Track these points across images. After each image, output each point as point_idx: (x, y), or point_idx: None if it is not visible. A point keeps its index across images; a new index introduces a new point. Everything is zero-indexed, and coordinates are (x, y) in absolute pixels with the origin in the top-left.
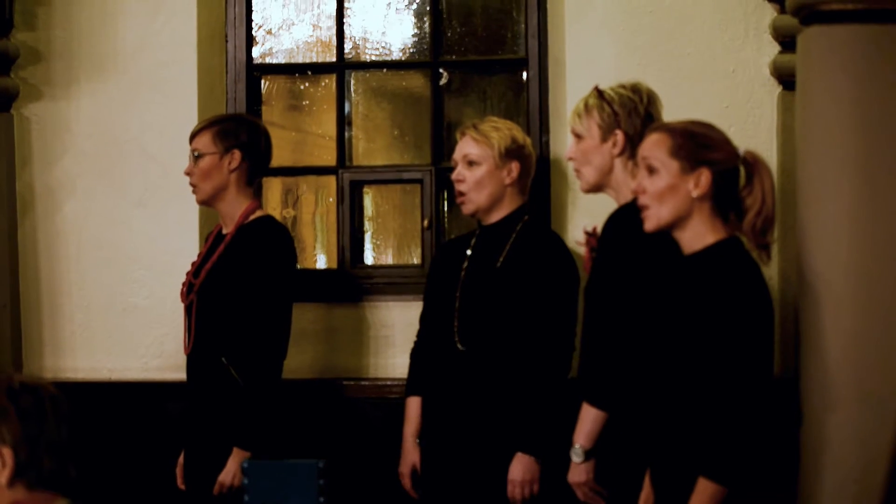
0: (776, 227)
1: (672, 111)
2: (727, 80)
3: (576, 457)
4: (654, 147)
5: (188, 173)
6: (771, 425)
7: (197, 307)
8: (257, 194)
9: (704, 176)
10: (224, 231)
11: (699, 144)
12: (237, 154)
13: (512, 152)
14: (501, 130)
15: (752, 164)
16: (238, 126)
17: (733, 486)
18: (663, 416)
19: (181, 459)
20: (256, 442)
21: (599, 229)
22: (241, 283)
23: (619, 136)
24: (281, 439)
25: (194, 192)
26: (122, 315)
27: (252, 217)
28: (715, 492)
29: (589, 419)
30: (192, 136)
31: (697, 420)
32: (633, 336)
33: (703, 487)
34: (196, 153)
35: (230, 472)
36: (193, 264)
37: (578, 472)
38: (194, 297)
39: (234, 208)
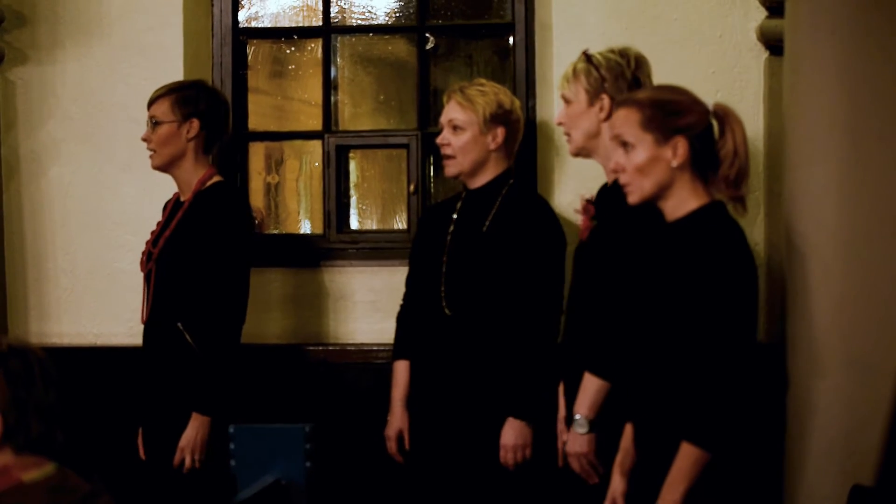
0: (762, 193)
1: (658, 76)
2: (714, 46)
3: (580, 428)
4: (624, 123)
5: (145, 139)
6: (755, 390)
7: (155, 275)
8: (214, 159)
9: (681, 145)
10: (182, 199)
11: (669, 112)
12: (195, 123)
13: (497, 118)
14: (488, 95)
15: (723, 116)
16: (198, 94)
17: (716, 450)
18: (648, 380)
19: (140, 430)
20: (215, 407)
21: (592, 195)
22: (199, 249)
23: (605, 100)
24: (241, 402)
25: (151, 157)
26: (107, 280)
27: (209, 183)
28: (698, 457)
29: (592, 389)
30: (151, 102)
31: (681, 385)
32: (631, 304)
33: (686, 452)
34: (154, 120)
35: (189, 438)
36: (153, 233)
37: (580, 442)
38: (153, 265)
39: (191, 176)
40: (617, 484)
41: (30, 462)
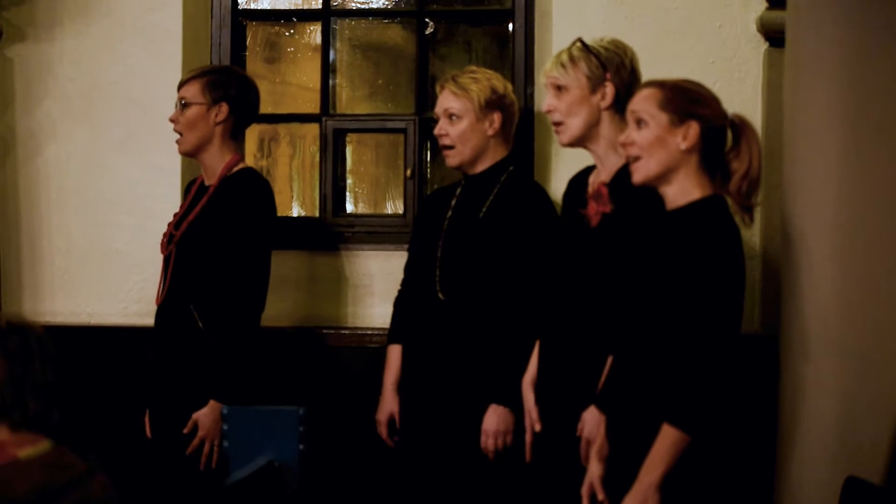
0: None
1: (658, 66)
2: (713, 36)
3: None
4: (644, 101)
5: (173, 120)
6: (740, 379)
7: (175, 258)
8: (240, 145)
9: (693, 129)
10: (207, 183)
11: (689, 99)
12: (225, 107)
13: (492, 103)
14: (480, 82)
15: (740, 126)
16: (229, 79)
17: (696, 434)
18: (629, 366)
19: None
20: (234, 394)
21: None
22: (222, 235)
23: (609, 88)
24: (259, 389)
25: (178, 142)
26: (102, 259)
27: (235, 169)
28: (677, 439)
29: None
30: (182, 84)
31: (662, 372)
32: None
33: (666, 434)
34: (183, 101)
35: (206, 426)
36: (175, 215)
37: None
38: (174, 248)
39: (218, 161)
40: (594, 469)
41: (26, 439)
